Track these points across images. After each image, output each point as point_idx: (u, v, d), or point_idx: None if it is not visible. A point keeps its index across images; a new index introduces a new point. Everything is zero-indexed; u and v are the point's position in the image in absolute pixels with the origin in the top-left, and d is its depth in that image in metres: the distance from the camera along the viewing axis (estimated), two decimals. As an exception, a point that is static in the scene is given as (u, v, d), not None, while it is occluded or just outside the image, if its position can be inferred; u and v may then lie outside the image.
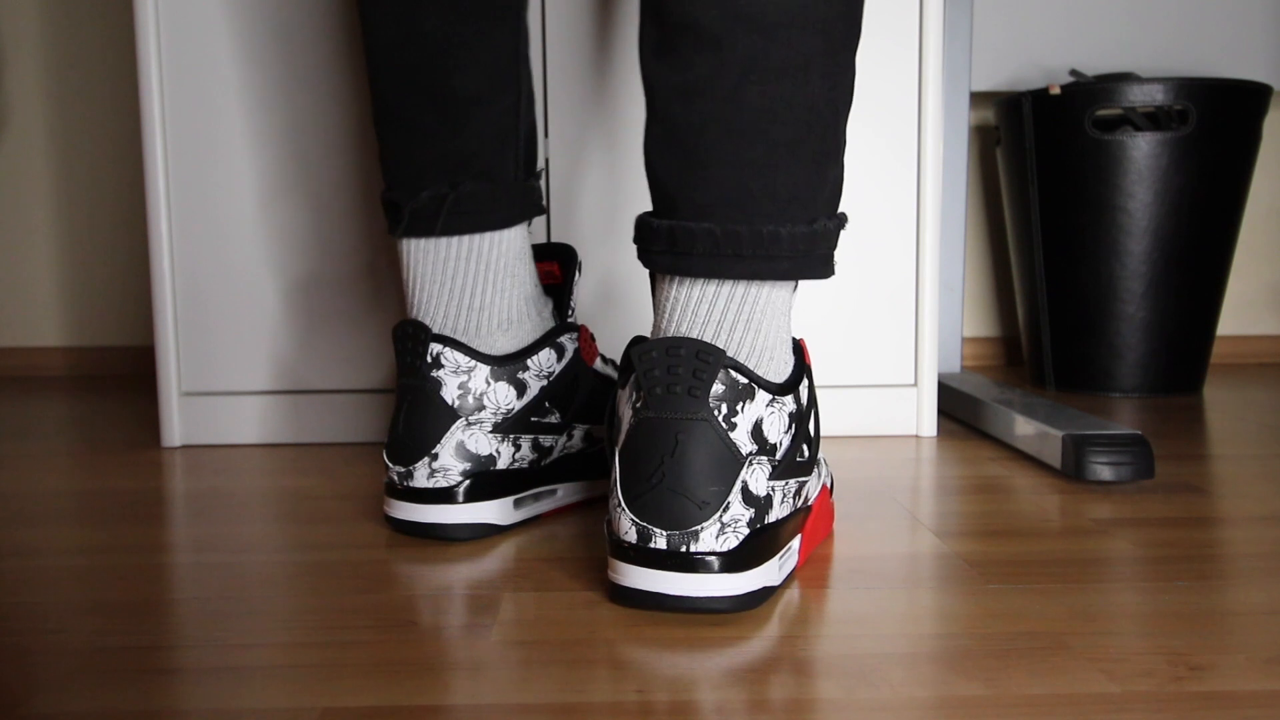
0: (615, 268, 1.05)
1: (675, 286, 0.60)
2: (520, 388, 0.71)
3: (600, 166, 1.04)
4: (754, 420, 0.56)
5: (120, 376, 1.67)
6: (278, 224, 1.04)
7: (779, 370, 0.61)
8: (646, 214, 0.62)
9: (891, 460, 0.95)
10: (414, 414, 0.68)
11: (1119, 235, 1.34)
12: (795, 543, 0.62)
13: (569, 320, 0.76)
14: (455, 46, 0.70)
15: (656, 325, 0.61)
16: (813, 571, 0.64)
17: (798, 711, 0.45)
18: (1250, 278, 1.75)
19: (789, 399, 0.59)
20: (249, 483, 0.89)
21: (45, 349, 1.70)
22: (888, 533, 0.72)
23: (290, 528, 0.74)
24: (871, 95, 1.05)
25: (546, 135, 1.03)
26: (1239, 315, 1.75)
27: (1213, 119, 1.31)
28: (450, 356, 0.68)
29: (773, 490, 0.57)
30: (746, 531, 0.55)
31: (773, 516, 0.57)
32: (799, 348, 0.63)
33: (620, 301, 1.05)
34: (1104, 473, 0.83)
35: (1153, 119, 1.32)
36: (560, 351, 0.74)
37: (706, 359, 0.55)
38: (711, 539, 0.54)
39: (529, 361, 0.72)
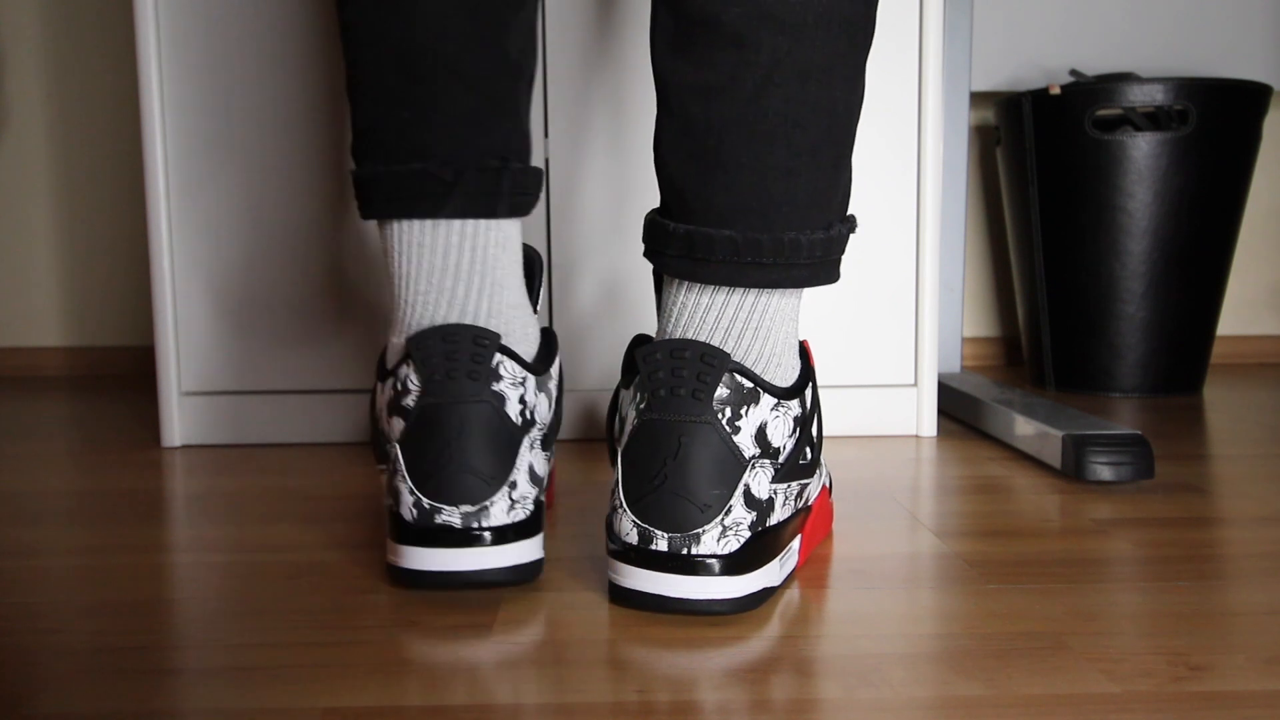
0: (616, 268, 1.05)
1: (686, 292, 0.59)
2: (549, 398, 0.65)
3: (601, 166, 1.04)
4: (758, 424, 0.56)
5: (120, 376, 1.66)
6: (278, 223, 1.04)
7: (785, 375, 0.60)
8: (658, 214, 0.61)
9: (891, 460, 0.95)
10: (477, 438, 0.57)
11: (1119, 235, 1.34)
12: (795, 543, 0.62)
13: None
14: (504, 8, 0.61)
15: (662, 328, 0.61)
16: (813, 571, 0.64)
17: (798, 711, 0.45)
18: (1250, 278, 1.75)
19: (794, 403, 0.59)
20: (249, 483, 0.89)
21: (45, 349, 1.70)
22: (888, 533, 0.72)
23: (290, 528, 0.74)
24: (871, 95, 1.05)
25: (546, 135, 1.03)
26: (1239, 315, 1.75)
27: (1213, 119, 1.31)
28: (509, 366, 0.60)
29: (775, 493, 0.57)
30: (748, 534, 0.55)
31: (774, 519, 0.57)
32: (804, 350, 0.63)
33: (621, 301, 1.05)
34: (1104, 473, 0.83)
35: (1153, 119, 1.32)
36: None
37: (711, 362, 0.55)
38: (713, 542, 0.54)
39: (552, 370, 0.66)
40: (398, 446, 0.58)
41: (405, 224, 0.62)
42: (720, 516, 0.54)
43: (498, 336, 0.59)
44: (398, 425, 0.59)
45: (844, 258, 1.06)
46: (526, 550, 0.58)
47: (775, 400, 0.57)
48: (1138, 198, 1.32)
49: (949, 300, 1.32)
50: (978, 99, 1.68)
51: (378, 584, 0.62)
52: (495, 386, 0.58)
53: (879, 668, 0.49)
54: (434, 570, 0.57)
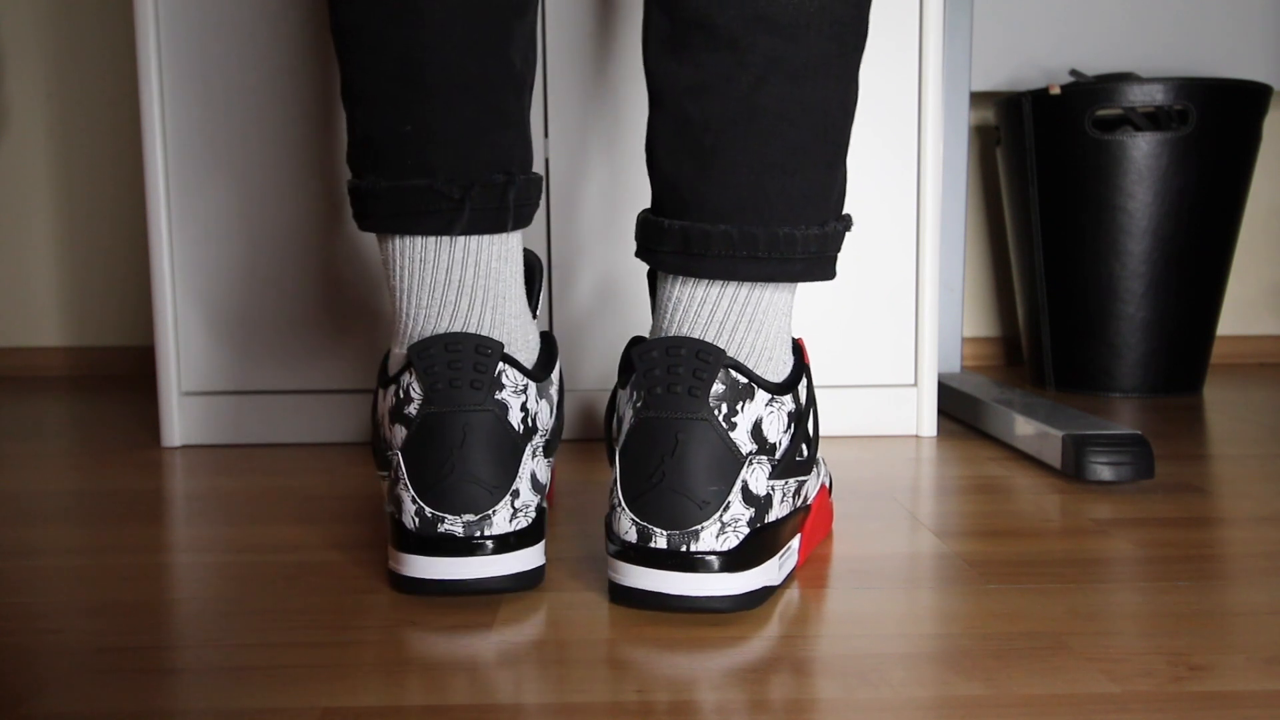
0: (615, 268, 1.05)
1: (680, 286, 0.59)
2: (550, 404, 0.65)
3: (600, 167, 1.04)
4: (754, 420, 0.56)
5: (120, 376, 1.67)
6: (278, 224, 1.04)
7: (778, 370, 0.60)
8: (651, 212, 0.61)
9: (891, 460, 0.95)
10: (480, 447, 0.57)
11: (1119, 235, 1.34)
12: (795, 542, 0.62)
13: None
14: (509, 14, 0.61)
15: (657, 325, 0.61)
16: (813, 571, 0.64)
17: (798, 711, 0.45)
18: (1250, 278, 1.75)
19: (788, 398, 0.59)
20: (249, 483, 0.89)
21: (45, 349, 1.70)
22: (888, 533, 0.72)
23: (290, 528, 0.74)
24: (871, 95, 1.05)
25: (546, 135, 1.03)
26: (1239, 315, 1.75)
27: (1213, 119, 1.31)
28: (511, 375, 0.59)
29: (772, 490, 0.57)
30: (747, 531, 0.55)
31: (773, 516, 0.57)
32: (798, 347, 0.63)
33: (621, 301, 1.05)
34: (1104, 473, 0.83)
35: (1153, 119, 1.32)
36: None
37: (706, 358, 0.55)
38: (712, 538, 0.54)
39: (553, 375, 0.66)
40: (400, 454, 0.58)
41: (409, 240, 0.61)
42: (719, 513, 0.54)
43: (501, 346, 0.59)
44: (400, 433, 0.59)
45: (841, 255, 1.06)
46: (528, 558, 0.58)
47: (770, 395, 0.57)
48: (1138, 198, 1.32)
49: (949, 300, 1.32)
50: (978, 99, 1.68)
51: (378, 584, 0.62)
52: (498, 395, 0.58)
53: (879, 668, 0.49)
54: (436, 579, 0.57)
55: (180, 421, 1.05)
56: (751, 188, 0.57)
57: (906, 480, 0.88)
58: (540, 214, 1.04)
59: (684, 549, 0.54)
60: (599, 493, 0.84)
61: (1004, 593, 0.60)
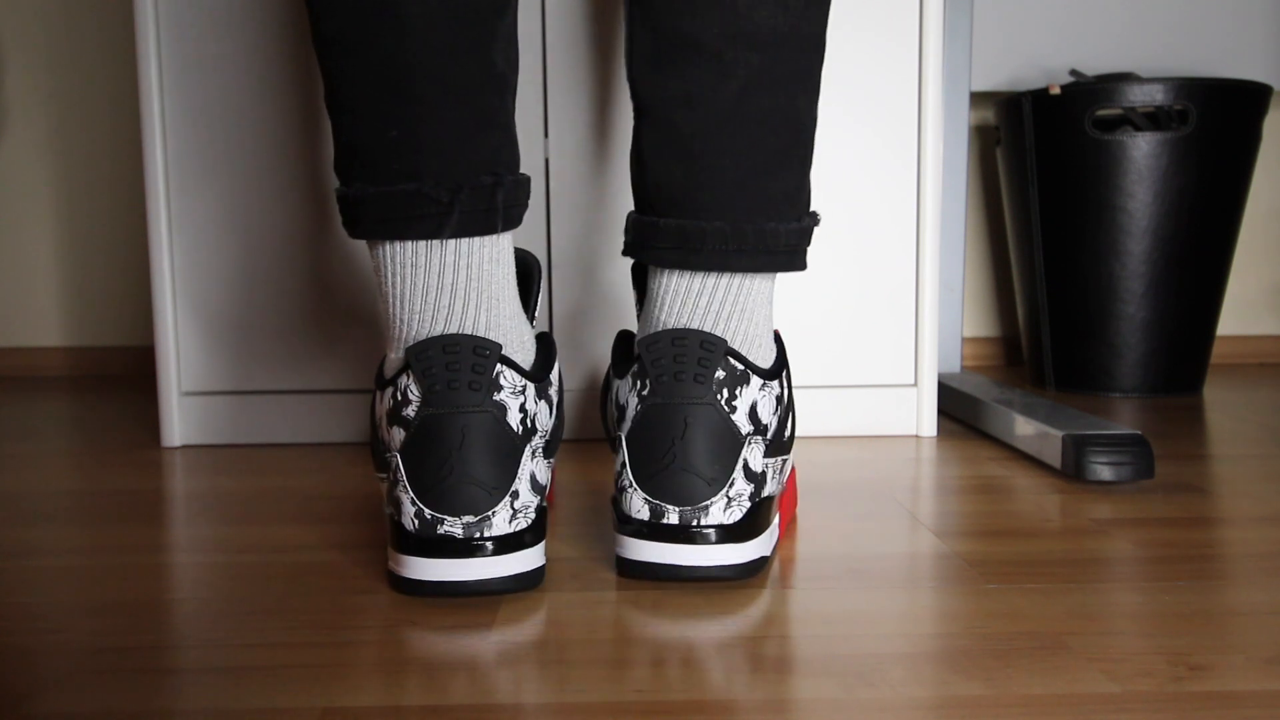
0: (615, 268, 1.05)
1: (677, 280, 0.63)
2: (550, 405, 0.65)
3: (600, 166, 1.04)
4: (751, 403, 0.61)
5: (120, 376, 1.67)
6: (278, 224, 1.04)
7: (766, 357, 0.65)
8: (640, 213, 0.66)
9: (891, 460, 0.95)
10: (479, 448, 0.57)
11: (1119, 235, 1.34)
12: (776, 518, 0.66)
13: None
14: (490, 15, 0.62)
15: (652, 317, 0.64)
16: (813, 571, 0.64)
17: (798, 711, 0.45)
18: (1250, 278, 1.75)
19: (776, 384, 0.64)
20: (249, 483, 0.89)
21: (45, 349, 1.70)
22: (888, 533, 0.72)
23: (290, 528, 0.74)
24: (871, 95, 1.05)
25: (546, 135, 1.03)
26: (1239, 315, 1.75)
27: (1213, 119, 1.31)
28: (509, 376, 0.60)
29: (767, 467, 0.62)
30: (749, 505, 0.60)
31: (767, 491, 0.62)
32: (777, 337, 0.69)
33: (621, 301, 1.05)
34: (1104, 473, 0.83)
35: (1153, 119, 1.32)
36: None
37: (710, 348, 0.60)
38: (719, 512, 0.59)
39: (551, 376, 0.66)
40: (398, 456, 0.58)
41: (399, 245, 0.61)
42: (725, 489, 0.59)
43: (499, 346, 0.59)
44: (398, 435, 0.59)
45: (841, 255, 1.06)
46: (528, 559, 0.58)
47: (762, 381, 0.62)
48: (1138, 198, 1.32)
49: (949, 300, 1.32)
50: (978, 99, 1.68)
51: (378, 584, 0.62)
52: (496, 396, 0.59)
53: (879, 668, 0.49)
54: (436, 580, 0.57)
55: (180, 421, 1.05)
56: (739, 188, 0.63)
57: (906, 480, 0.88)
58: (540, 214, 1.04)
59: (695, 523, 0.58)
60: (599, 493, 0.84)
61: (1004, 593, 0.60)
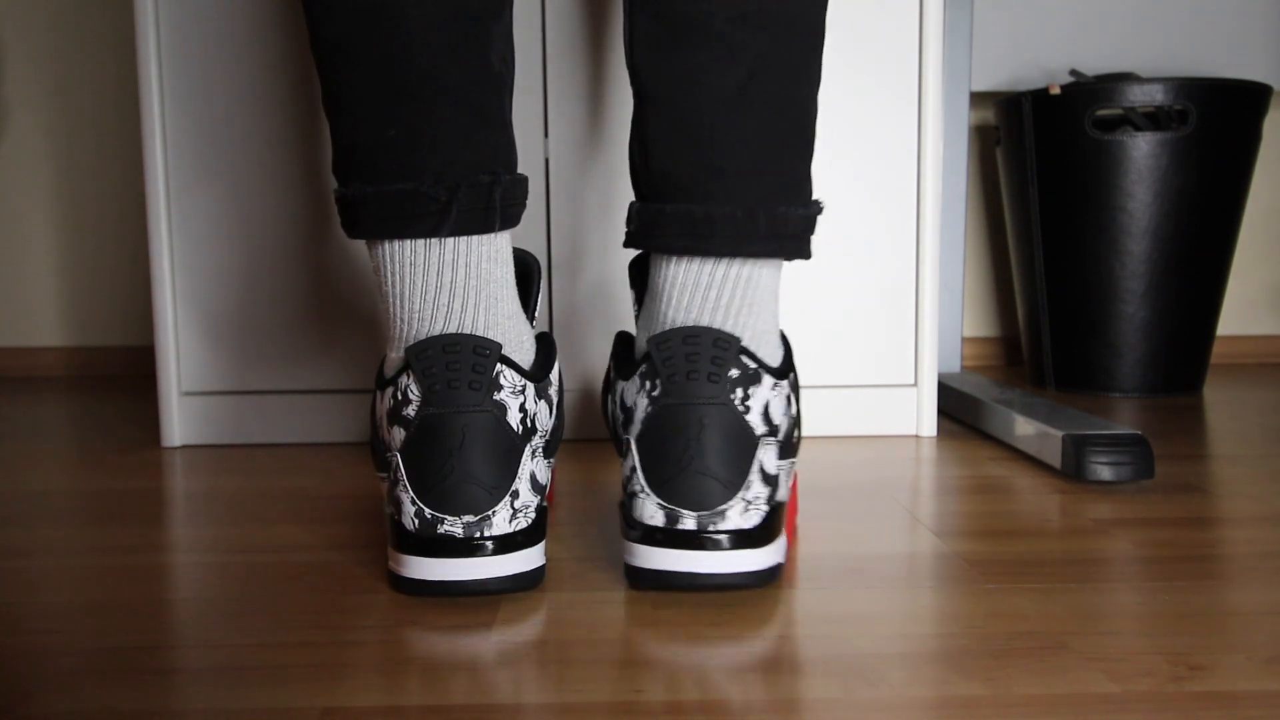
0: (615, 267, 1.05)
1: (685, 270, 0.62)
2: (550, 405, 0.65)
3: (600, 166, 1.04)
4: (763, 403, 0.59)
5: (120, 376, 1.67)
6: (278, 224, 1.04)
7: (774, 355, 0.64)
8: (645, 202, 0.63)
9: (891, 460, 0.95)
10: (479, 448, 0.57)
11: (1119, 235, 1.34)
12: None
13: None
14: (486, 16, 0.62)
15: (656, 311, 0.63)
16: (813, 571, 0.64)
17: (798, 711, 0.45)
18: (1250, 278, 1.75)
19: (785, 383, 0.62)
20: (249, 483, 0.89)
21: (45, 349, 1.70)
22: (888, 533, 0.72)
23: (290, 528, 0.74)
24: (871, 95, 1.05)
25: (547, 135, 1.03)
26: (1239, 315, 1.75)
27: (1213, 119, 1.31)
28: (509, 376, 0.60)
29: (780, 469, 0.60)
30: (766, 509, 0.58)
31: (780, 494, 0.60)
32: (783, 337, 0.67)
33: (621, 301, 1.05)
34: (1104, 473, 0.83)
35: (1153, 119, 1.32)
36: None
37: (724, 346, 0.58)
38: (737, 516, 0.56)
39: (551, 376, 0.66)
40: (399, 456, 0.58)
41: (398, 244, 0.61)
42: (742, 491, 0.57)
43: (499, 346, 0.59)
44: (398, 435, 0.59)
45: (841, 254, 1.06)
46: (528, 559, 0.58)
47: (774, 380, 0.60)
48: (1138, 198, 1.32)
49: (949, 300, 1.32)
50: (978, 99, 1.68)
51: (378, 584, 0.62)
52: (496, 396, 0.59)
53: (879, 668, 0.49)
54: (436, 580, 0.57)
55: (180, 421, 1.05)
56: (749, 172, 0.61)
57: (906, 480, 0.88)
58: (540, 214, 1.04)
59: (712, 529, 0.56)
60: (599, 493, 0.84)
61: (1004, 593, 0.60)
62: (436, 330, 0.61)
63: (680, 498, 0.56)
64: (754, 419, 0.58)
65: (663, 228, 0.61)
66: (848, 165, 1.05)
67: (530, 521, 0.58)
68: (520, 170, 1.01)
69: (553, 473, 0.69)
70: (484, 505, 0.57)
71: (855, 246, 1.06)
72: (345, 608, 0.58)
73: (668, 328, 0.62)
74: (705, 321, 0.61)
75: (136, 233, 1.69)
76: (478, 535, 0.56)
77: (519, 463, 0.58)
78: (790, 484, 0.65)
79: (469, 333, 0.60)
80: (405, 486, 0.58)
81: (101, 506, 0.81)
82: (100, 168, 1.68)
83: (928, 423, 1.07)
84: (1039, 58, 1.56)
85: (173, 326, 1.05)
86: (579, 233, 1.04)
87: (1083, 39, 1.56)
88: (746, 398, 0.58)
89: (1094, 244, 1.35)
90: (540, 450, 0.61)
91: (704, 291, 0.61)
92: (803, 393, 1.06)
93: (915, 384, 1.07)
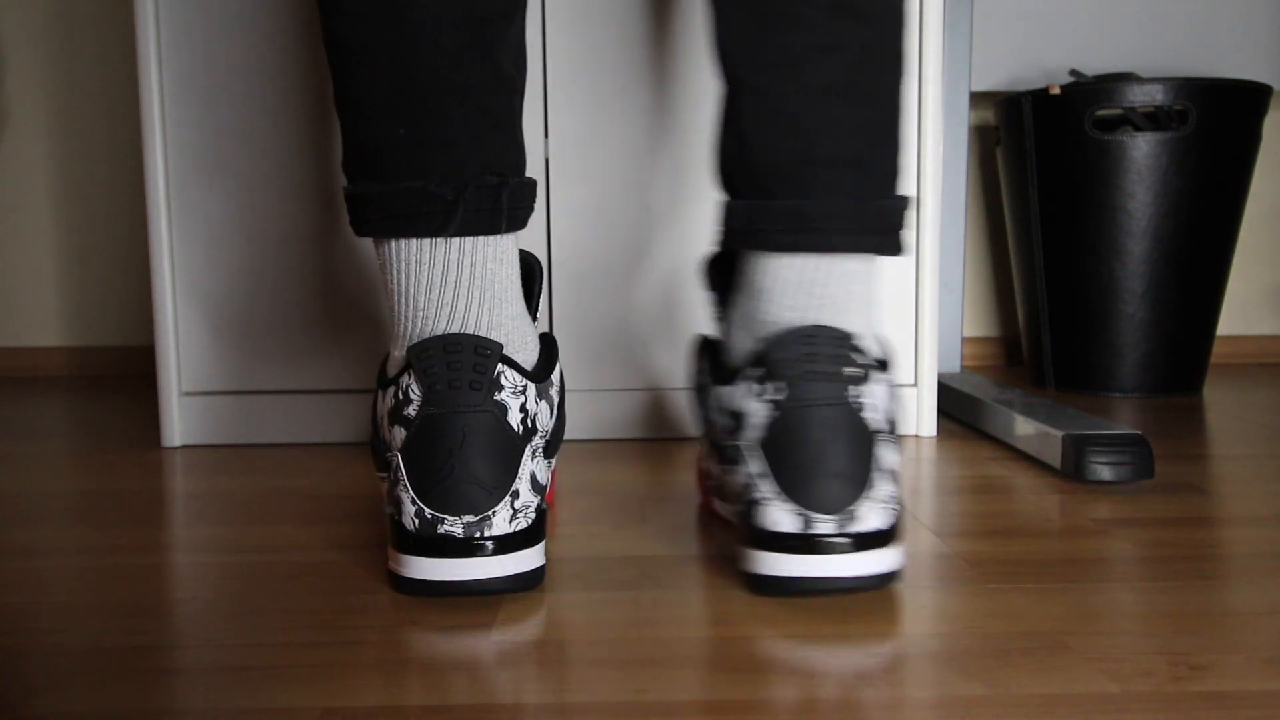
0: (616, 267, 1.05)
1: (786, 269, 0.61)
2: (551, 405, 0.64)
3: (600, 166, 1.04)
4: (875, 398, 0.58)
5: (120, 376, 1.67)
6: (278, 223, 1.04)
7: (876, 348, 0.62)
8: (742, 197, 0.62)
9: (891, 460, 0.95)
10: (479, 448, 0.57)
11: (1119, 235, 1.34)
12: None
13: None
14: (498, 20, 0.62)
15: (760, 311, 0.62)
16: (813, 571, 0.64)
17: (797, 711, 0.45)
18: (1250, 278, 1.75)
19: (889, 376, 0.61)
20: (249, 483, 0.89)
21: (45, 349, 1.70)
22: (888, 533, 0.72)
23: (290, 528, 0.74)
24: (871, 95, 1.05)
25: (547, 135, 1.03)
26: (1239, 315, 1.75)
27: (1213, 119, 1.31)
28: (511, 376, 0.60)
29: (892, 465, 0.59)
30: (897, 507, 0.57)
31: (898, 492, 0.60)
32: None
33: (621, 301, 1.05)
34: (1104, 473, 0.83)
35: (1153, 119, 1.32)
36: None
37: (843, 344, 0.58)
38: (869, 516, 0.56)
39: (554, 377, 0.66)
40: (399, 456, 0.58)
41: (404, 243, 0.61)
42: (870, 490, 0.56)
43: (500, 346, 0.59)
44: (399, 434, 0.59)
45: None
46: (528, 559, 0.58)
47: (882, 375, 0.59)
48: (1138, 198, 1.32)
49: (949, 300, 1.32)
50: (978, 99, 1.68)
51: (378, 584, 0.62)
52: (497, 396, 0.59)
53: (879, 668, 0.49)
54: (436, 579, 0.57)
55: (180, 421, 1.05)
56: (856, 163, 0.60)
57: (906, 480, 0.88)
58: (540, 214, 1.04)
59: (846, 530, 0.55)
60: (599, 493, 0.84)
61: (1004, 593, 0.60)
62: (440, 329, 0.61)
63: (818, 501, 0.55)
64: (868, 415, 0.57)
65: (770, 223, 0.60)
66: (848, 165, 1.05)
67: (530, 522, 0.58)
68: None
69: (553, 473, 0.69)
70: (484, 505, 0.57)
71: (855, 246, 1.06)
72: (345, 608, 0.58)
73: (781, 328, 0.60)
74: (814, 319, 0.60)
75: (136, 233, 1.69)
76: (478, 535, 0.56)
77: (519, 463, 0.58)
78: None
79: (471, 333, 0.61)
80: (405, 486, 0.58)
81: (101, 506, 0.81)
82: (100, 167, 1.68)
83: (928, 422, 1.07)
84: (1039, 58, 1.56)
85: (173, 326, 1.05)
86: (579, 233, 1.04)
87: (1083, 39, 1.56)
88: (860, 394, 0.58)
89: (1094, 244, 1.35)
90: (540, 450, 0.61)
91: (812, 288, 0.60)
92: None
93: (915, 384, 1.07)
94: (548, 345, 0.67)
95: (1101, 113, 1.35)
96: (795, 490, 0.56)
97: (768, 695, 0.47)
